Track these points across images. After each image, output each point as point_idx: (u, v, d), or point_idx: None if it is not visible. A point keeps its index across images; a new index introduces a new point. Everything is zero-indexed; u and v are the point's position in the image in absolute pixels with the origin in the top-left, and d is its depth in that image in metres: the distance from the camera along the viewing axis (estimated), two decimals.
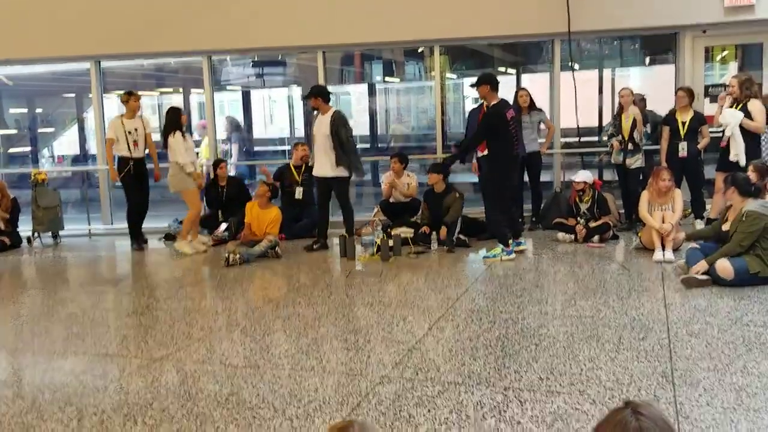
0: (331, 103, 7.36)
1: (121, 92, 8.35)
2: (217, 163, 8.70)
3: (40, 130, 13.12)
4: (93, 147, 10.61)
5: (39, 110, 13.34)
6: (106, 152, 8.05)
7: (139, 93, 8.40)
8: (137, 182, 8.00)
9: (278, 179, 8.43)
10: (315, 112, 7.39)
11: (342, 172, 7.22)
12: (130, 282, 6.36)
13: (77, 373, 3.97)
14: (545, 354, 3.93)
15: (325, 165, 7.23)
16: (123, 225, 8.67)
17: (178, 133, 7.46)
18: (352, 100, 13.46)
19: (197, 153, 8.66)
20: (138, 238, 8.11)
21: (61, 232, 8.97)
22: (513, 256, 6.49)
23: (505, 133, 6.45)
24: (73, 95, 12.69)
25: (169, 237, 8.46)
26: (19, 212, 8.73)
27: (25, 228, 8.83)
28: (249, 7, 8.76)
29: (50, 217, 8.77)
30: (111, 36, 8.95)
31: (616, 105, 8.02)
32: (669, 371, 3.61)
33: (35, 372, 4.07)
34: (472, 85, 6.63)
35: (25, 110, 13.08)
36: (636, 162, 7.59)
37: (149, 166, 8.11)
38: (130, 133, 7.90)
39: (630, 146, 7.56)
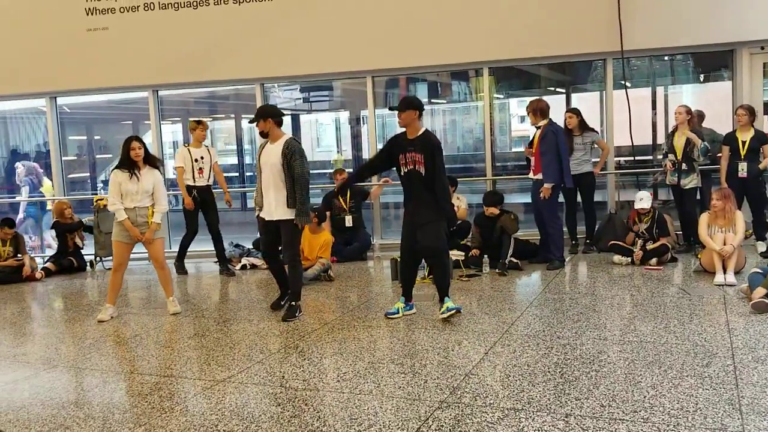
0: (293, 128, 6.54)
1: (175, 119, 8.62)
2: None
3: (98, 156, 13.60)
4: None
5: (97, 137, 13.82)
6: (177, 180, 8.20)
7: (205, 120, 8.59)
8: (201, 210, 8.12)
9: (327, 208, 8.54)
10: (263, 140, 5.92)
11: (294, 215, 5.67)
12: (189, 305, 6.51)
13: (145, 395, 4.09)
14: (606, 380, 3.88)
15: (272, 205, 5.72)
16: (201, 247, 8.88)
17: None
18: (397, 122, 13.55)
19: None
20: (182, 262, 8.25)
21: None
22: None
23: None
24: (130, 122, 13.15)
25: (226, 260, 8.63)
26: (86, 228, 9.07)
27: (89, 252, 9.17)
28: (299, 35, 8.97)
29: (111, 242, 9.04)
30: (168, 66, 9.31)
31: (671, 123, 7.92)
32: (736, 399, 3.53)
33: (104, 392, 4.21)
34: (392, 108, 5.55)
35: (84, 137, 13.58)
36: (691, 182, 7.44)
37: (218, 190, 8.31)
38: (196, 161, 8.06)
39: (684, 166, 7.43)
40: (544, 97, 11.12)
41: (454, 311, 5.25)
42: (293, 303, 5.78)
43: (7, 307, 7.04)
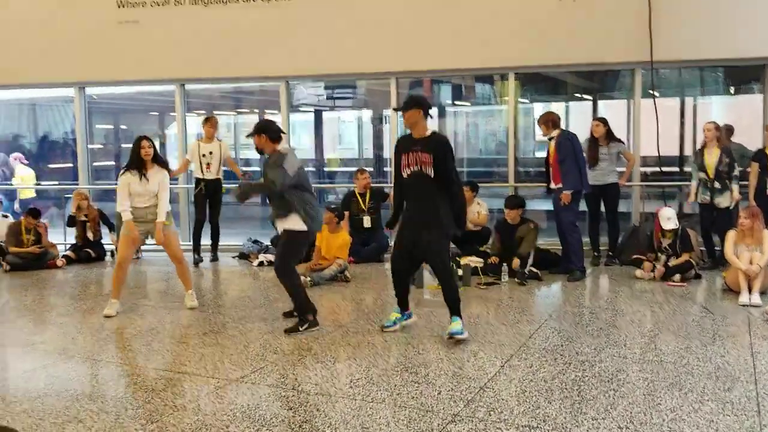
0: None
1: (200, 112, 8.74)
2: None
3: (123, 146, 13.72)
4: (173, 164, 10.99)
5: (123, 127, 13.94)
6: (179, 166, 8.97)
7: (216, 115, 8.87)
8: (207, 201, 8.55)
9: (346, 208, 8.53)
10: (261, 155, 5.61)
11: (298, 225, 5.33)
12: (206, 300, 6.52)
13: (158, 390, 4.09)
14: (624, 401, 3.81)
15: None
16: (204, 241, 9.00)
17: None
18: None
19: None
20: (198, 252, 8.62)
21: (142, 247, 9.29)
22: None
23: None
24: (156, 113, 13.25)
25: (243, 256, 8.68)
26: (107, 219, 9.11)
27: (108, 242, 9.22)
28: (325, 34, 8.96)
29: None
30: (196, 61, 9.34)
31: (699, 140, 7.77)
32: (757, 426, 3.45)
33: (119, 386, 4.23)
34: (396, 109, 5.37)
35: (111, 126, 13.70)
36: (726, 200, 7.28)
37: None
38: (204, 156, 8.48)
39: (717, 184, 7.28)
40: (570, 104, 11.09)
41: (460, 336, 4.86)
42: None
43: (27, 293, 7.11)
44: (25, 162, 11.12)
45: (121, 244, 6.10)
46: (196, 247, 8.60)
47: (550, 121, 7.21)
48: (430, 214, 4.96)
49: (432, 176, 4.93)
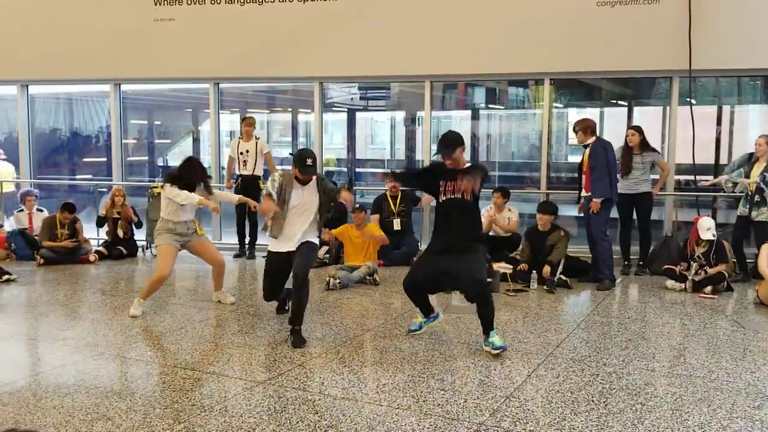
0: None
1: (234, 109, 8.92)
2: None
3: (157, 141, 13.92)
4: (206, 161, 11.12)
5: (158, 122, 14.14)
6: (226, 166, 9.25)
7: (251, 115, 9.10)
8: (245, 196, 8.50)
9: (377, 211, 8.56)
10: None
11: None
12: (235, 299, 6.58)
13: (186, 390, 4.15)
14: (651, 415, 3.77)
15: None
16: (233, 240, 9.14)
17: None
18: (454, 125, 13.48)
19: None
20: (242, 247, 9.02)
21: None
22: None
23: None
24: (190, 110, 13.40)
25: None
26: (139, 219, 9.27)
27: (139, 238, 9.39)
28: (359, 36, 9.00)
29: None
30: (230, 60, 9.45)
31: (737, 144, 7.64)
32: None
33: (147, 384, 4.29)
34: (439, 153, 5.07)
35: (145, 122, 13.90)
36: (762, 215, 7.15)
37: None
38: (241, 153, 8.81)
39: (757, 198, 7.16)
40: (605, 109, 10.96)
41: (500, 350, 4.80)
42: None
43: (60, 288, 7.25)
44: (3, 157, 11.13)
45: (165, 257, 6.04)
46: (241, 241, 9.07)
47: (588, 128, 7.13)
48: (467, 237, 4.94)
49: (470, 201, 4.93)
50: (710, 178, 8.12)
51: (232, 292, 6.76)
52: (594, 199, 6.97)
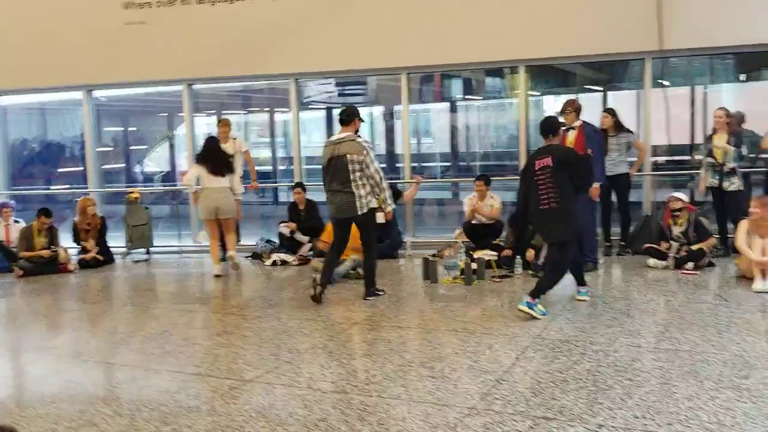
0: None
1: (209, 112, 8.84)
2: (295, 186, 8.88)
3: (132, 148, 13.78)
4: (184, 165, 11.01)
5: (132, 128, 14.00)
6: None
7: (225, 114, 8.95)
8: None
9: None
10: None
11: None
12: (219, 301, 6.53)
13: (172, 392, 4.10)
14: (640, 390, 3.78)
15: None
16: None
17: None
18: (432, 117, 13.49)
19: None
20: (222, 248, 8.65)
21: (152, 249, 9.37)
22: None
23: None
24: (165, 114, 13.28)
25: (256, 256, 8.70)
26: (106, 230, 9.14)
27: (117, 245, 9.27)
28: (334, 31, 8.94)
29: (138, 235, 9.20)
30: (203, 60, 9.36)
31: (710, 124, 7.72)
32: None
33: (133, 389, 4.23)
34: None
35: (120, 128, 13.75)
36: (732, 185, 7.24)
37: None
38: None
39: (726, 168, 7.23)
40: (580, 95, 11.01)
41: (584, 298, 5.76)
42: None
43: (40, 299, 7.15)
44: None
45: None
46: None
47: (579, 109, 7.04)
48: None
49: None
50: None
51: (215, 294, 6.70)
52: (594, 184, 6.83)
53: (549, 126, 5.78)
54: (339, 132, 6.31)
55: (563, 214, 5.49)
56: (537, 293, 5.37)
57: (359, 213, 6.13)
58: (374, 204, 6.20)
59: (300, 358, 4.65)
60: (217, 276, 7.66)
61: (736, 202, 7.20)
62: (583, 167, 5.76)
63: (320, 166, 6.39)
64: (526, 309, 5.29)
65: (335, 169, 6.12)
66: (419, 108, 12.38)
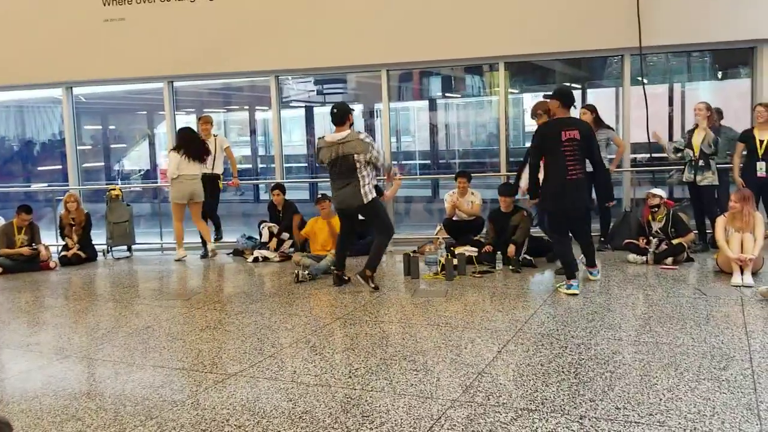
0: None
1: (189, 110, 8.88)
2: (274, 188, 8.85)
3: (113, 146, 13.66)
4: (164, 162, 10.94)
5: (112, 127, 13.88)
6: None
7: (206, 112, 9.02)
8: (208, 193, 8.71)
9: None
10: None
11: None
12: (201, 296, 6.51)
13: (156, 387, 4.09)
14: (621, 382, 3.84)
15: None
16: (195, 239, 8.98)
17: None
18: (411, 116, 13.54)
19: None
20: (204, 244, 8.83)
21: (134, 246, 9.32)
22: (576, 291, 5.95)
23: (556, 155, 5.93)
24: (144, 112, 13.18)
25: (238, 252, 8.68)
26: (91, 227, 9.07)
27: (100, 242, 9.20)
28: (314, 27, 8.94)
29: (120, 232, 9.15)
30: (184, 57, 9.30)
31: (689, 121, 7.83)
32: (754, 403, 3.48)
33: (116, 384, 4.21)
34: (547, 96, 6.44)
35: (99, 127, 13.64)
36: (706, 179, 7.35)
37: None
38: None
39: (701, 163, 7.34)
40: None
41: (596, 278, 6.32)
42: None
43: (21, 295, 7.08)
44: None
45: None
46: (203, 241, 8.84)
47: (548, 111, 7.10)
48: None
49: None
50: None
51: (197, 291, 6.67)
52: None
53: (569, 98, 6.11)
54: (335, 131, 6.40)
55: (584, 185, 6.14)
56: (593, 261, 6.34)
57: (365, 202, 6.33)
58: (374, 194, 6.45)
59: (283, 353, 4.65)
60: (179, 260, 8.35)
61: (710, 197, 7.31)
62: (596, 143, 6.36)
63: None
64: (597, 276, 6.34)
65: (341, 169, 6.30)
66: (399, 106, 12.41)
